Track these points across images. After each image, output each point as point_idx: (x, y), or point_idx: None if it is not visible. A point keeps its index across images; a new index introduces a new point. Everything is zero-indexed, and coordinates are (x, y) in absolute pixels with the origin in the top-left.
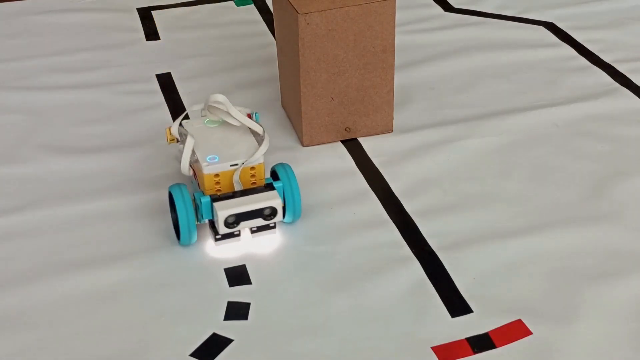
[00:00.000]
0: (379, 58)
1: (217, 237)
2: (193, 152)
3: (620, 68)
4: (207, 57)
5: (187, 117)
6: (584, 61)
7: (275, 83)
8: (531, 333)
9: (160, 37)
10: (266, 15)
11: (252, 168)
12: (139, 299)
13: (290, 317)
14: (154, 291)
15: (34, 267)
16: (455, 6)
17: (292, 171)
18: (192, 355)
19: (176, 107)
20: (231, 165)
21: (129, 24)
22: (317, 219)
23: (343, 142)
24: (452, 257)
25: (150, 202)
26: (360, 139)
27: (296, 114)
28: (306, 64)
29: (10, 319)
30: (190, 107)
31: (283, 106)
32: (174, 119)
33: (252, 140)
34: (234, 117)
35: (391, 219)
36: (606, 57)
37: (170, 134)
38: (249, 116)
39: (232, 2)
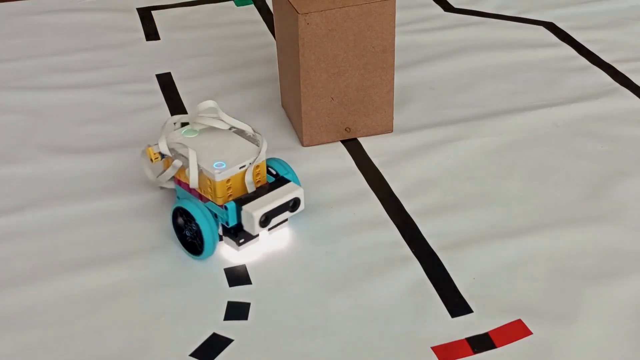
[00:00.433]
0: (379, 58)
1: (241, 241)
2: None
3: (620, 68)
4: (207, 57)
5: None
6: (584, 61)
7: (275, 83)
8: (531, 333)
9: (160, 37)
10: (266, 15)
11: (257, 166)
12: (139, 299)
13: (290, 317)
14: (154, 291)
15: (34, 267)
16: (455, 6)
17: (286, 163)
18: (192, 355)
19: (176, 107)
20: (240, 168)
21: (129, 24)
22: (317, 219)
23: (343, 142)
24: (452, 257)
25: (150, 202)
26: (360, 139)
27: (296, 114)
28: (306, 64)
29: (10, 319)
30: (164, 124)
31: (283, 106)
32: None
33: (243, 140)
34: (224, 121)
35: (391, 219)
36: (606, 57)
37: (154, 152)
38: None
39: (232, 2)
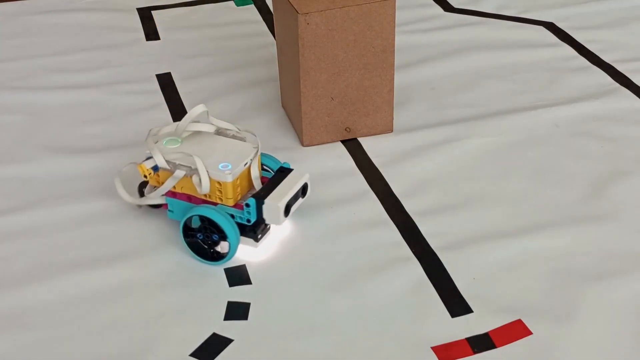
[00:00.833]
0: (379, 58)
1: (259, 237)
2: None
3: (620, 68)
4: (207, 57)
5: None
6: (584, 61)
7: (275, 83)
8: (531, 333)
9: (160, 37)
10: (266, 15)
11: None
12: (139, 299)
13: (290, 317)
14: (154, 291)
15: (34, 267)
16: (455, 6)
17: (274, 156)
18: (192, 355)
19: (176, 107)
20: (244, 165)
21: (129, 24)
22: (317, 219)
23: (343, 142)
24: (452, 257)
25: None
26: (360, 139)
27: (296, 114)
28: (306, 64)
29: (10, 319)
30: (147, 138)
31: (283, 106)
32: (174, 119)
33: (230, 139)
34: (211, 124)
35: (391, 219)
36: (606, 57)
37: (147, 168)
38: None
39: (232, 2)
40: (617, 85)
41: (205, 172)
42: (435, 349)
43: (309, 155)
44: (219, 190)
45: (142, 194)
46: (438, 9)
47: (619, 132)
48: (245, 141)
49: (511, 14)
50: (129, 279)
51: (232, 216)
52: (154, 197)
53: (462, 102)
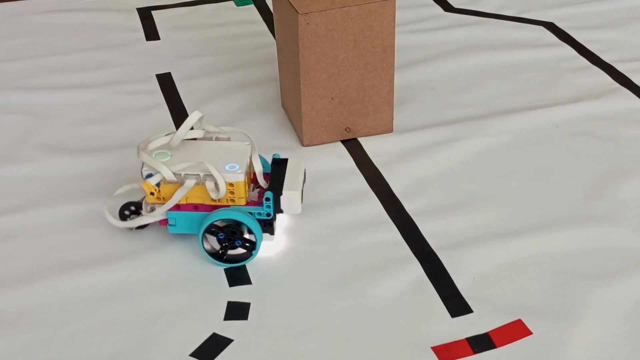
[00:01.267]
0: (379, 58)
1: (275, 230)
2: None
3: (620, 68)
4: (207, 57)
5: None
6: (584, 61)
7: (275, 83)
8: (531, 333)
9: (160, 37)
10: (266, 15)
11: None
12: (139, 299)
13: (290, 317)
14: (154, 291)
15: (34, 267)
16: (455, 6)
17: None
18: (192, 355)
19: (176, 107)
20: (247, 163)
21: (129, 24)
22: (317, 219)
23: (343, 142)
24: (452, 257)
25: None
26: (360, 139)
27: (296, 114)
28: (306, 64)
29: (10, 319)
30: (143, 154)
31: (283, 106)
32: (174, 119)
33: (217, 142)
34: (204, 129)
35: (391, 219)
36: (606, 57)
37: (153, 185)
38: None
39: (232, 2)
40: (617, 85)
41: (221, 176)
42: (436, 349)
43: (309, 155)
44: (231, 191)
45: (124, 218)
46: (438, 9)
47: (619, 132)
48: (230, 141)
49: (511, 14)
50: (129, 278)
51: (251, 214)
52: (159, 213)
53: (462, 102)
